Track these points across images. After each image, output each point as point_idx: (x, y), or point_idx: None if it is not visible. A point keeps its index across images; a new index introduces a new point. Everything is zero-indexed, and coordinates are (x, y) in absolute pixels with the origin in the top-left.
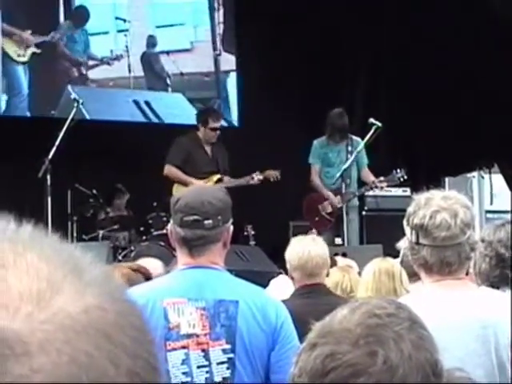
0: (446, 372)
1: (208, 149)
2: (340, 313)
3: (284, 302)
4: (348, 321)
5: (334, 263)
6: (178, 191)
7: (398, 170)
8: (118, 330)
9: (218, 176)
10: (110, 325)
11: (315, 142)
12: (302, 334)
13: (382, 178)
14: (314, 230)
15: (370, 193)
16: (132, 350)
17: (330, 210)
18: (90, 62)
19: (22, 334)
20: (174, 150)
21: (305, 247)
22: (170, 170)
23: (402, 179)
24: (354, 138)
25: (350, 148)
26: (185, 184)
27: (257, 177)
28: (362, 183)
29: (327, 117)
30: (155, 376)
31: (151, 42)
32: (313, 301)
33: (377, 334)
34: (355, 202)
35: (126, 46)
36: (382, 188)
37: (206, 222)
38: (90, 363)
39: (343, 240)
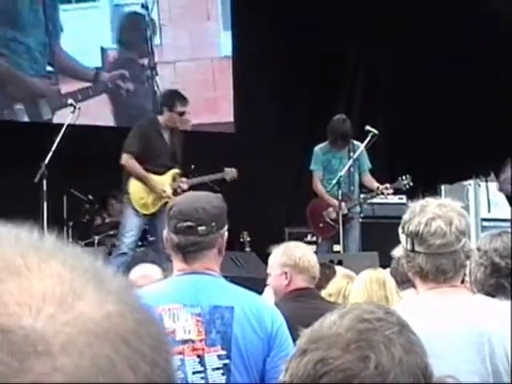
0: (437, 379)
1: (166, 136)
2: (329, 318)
3: None
4: (338, 326)
5: (333, 272)
6: (134, 186)
7: (404, 177)
8: (137, 337)
9: (176, 171)
10: (130, 332)
11: (316, 149)
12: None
13: (387, 185)
14: (308, 238)
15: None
16: (150, 357)
17: (334, 216)
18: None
19: (44, 334)
20: (132, 136)
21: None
22: (128, 160)
23: (407, 186)
24: (356, 143)
25: (352, 154)
26: (141, 179)
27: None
28: (363, 189)
29: (329, 123)
30: None
31: None
32: (301, 305)
33: (367, 338)
34: (357, 208)
35: (153, 71)
36: (387, 195)
37: (199, 228)
38: (110, 367)
39: (344, 247)
